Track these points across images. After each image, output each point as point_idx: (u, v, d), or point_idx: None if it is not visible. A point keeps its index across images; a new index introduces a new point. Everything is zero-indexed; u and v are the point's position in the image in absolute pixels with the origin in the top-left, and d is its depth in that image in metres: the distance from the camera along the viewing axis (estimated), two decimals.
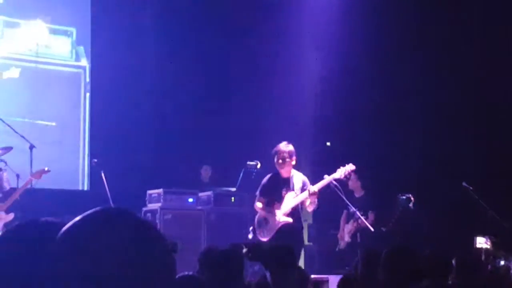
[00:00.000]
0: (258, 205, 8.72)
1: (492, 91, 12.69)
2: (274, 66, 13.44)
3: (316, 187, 8.61)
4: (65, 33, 13.90)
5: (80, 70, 13.62)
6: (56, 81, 13.39)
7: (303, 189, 8.68)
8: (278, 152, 8.61)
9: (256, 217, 8.71)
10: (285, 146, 8.66)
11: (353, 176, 11.55)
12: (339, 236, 11.58)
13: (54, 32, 13.70)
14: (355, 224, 11.16)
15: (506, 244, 10.23)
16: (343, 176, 8.99)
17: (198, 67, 13.25)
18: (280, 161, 8.58)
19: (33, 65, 13.16)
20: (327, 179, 8.81)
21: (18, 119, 11.83)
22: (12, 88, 12.60)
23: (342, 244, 11.51)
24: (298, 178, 8.70)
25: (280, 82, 13.36)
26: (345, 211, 11.35)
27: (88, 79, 13.42)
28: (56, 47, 13.72)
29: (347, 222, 11.48)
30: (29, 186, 9.49)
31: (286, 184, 8.66)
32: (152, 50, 13.18)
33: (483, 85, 12.80)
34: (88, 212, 1.40)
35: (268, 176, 8.81)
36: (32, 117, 12.44)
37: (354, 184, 11.60)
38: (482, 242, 10.86)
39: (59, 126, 12.79)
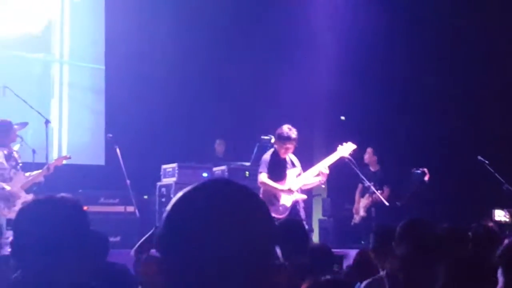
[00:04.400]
0: (267, 180, 8.46)
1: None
2: (292, 40, 13.38)
3: (326, 168, 8.45)
4: None
5: None
6: None
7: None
8: (294, 141, 8.42)
9: (262, 192, 8.39)
10: (296, 134, 8.46)
11: (369, 150, 11.54)
12: (354, 210, 11.57)
13: None
14: (370, 199, 11.15)
15: None
16: (347, 156, 8.83)
17: (214, 40, 13.20)
18: (293, 149, 8.47)
19: None
20: (332, 157, 8.66)
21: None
22: None
23: (357, 219, 11.51)
24: (293, 157, 8.62)
25: (296, 56, 13.29)
26: (360, 185, 11.33)
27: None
28: None
29: (362, 196, 11.47)
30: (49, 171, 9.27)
31: (286, 162, 8.56)
32: (166, 24, 13.10)
33: (499, 63, 12.73)
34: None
35: (270, 153, 8.63)
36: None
37: (370, 158, 11.58)
38: (501, 215, 10.82)
39: (73, 102, 12.83)
